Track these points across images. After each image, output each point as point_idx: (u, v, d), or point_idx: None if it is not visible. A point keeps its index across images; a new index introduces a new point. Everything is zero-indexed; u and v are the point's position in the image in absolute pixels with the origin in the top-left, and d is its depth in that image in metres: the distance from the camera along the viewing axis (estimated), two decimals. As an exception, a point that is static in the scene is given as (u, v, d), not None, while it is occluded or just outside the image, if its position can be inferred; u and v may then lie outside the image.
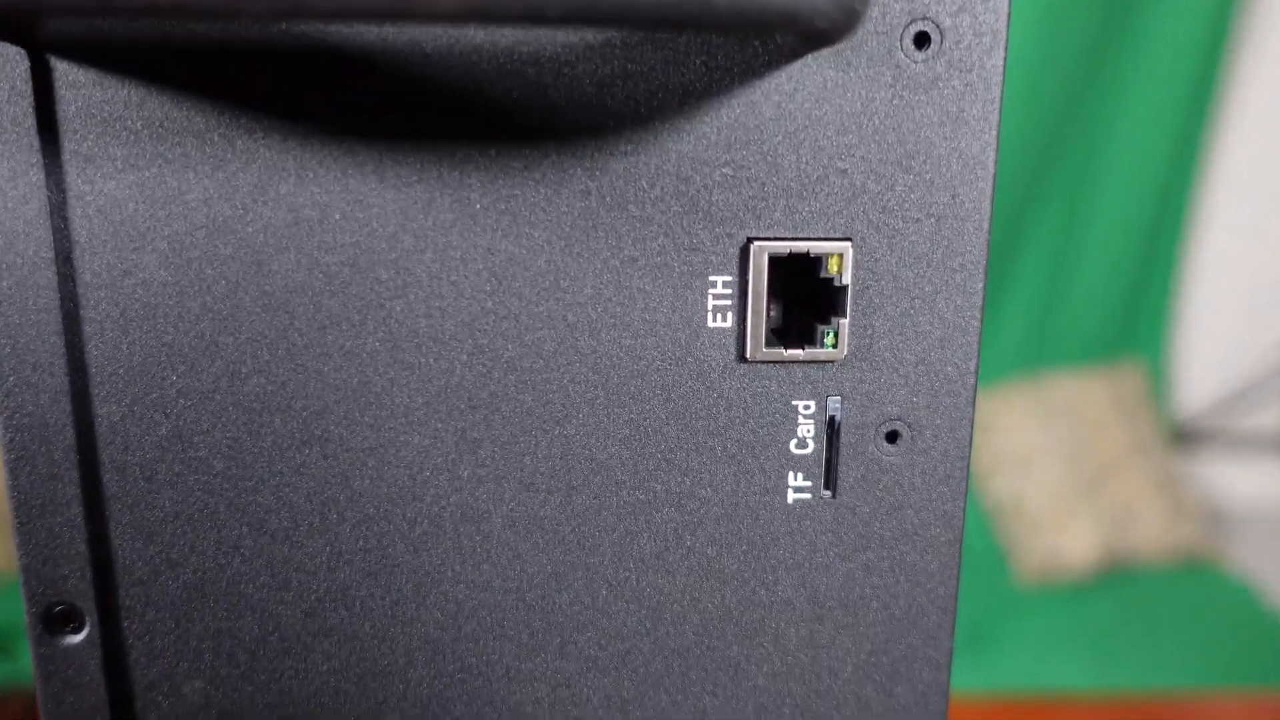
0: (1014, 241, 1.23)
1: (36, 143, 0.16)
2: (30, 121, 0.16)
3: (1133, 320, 1.33)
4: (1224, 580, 1.17)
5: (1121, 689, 0.93)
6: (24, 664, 0.82)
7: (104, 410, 0.17)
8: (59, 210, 0.16)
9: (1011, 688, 0.93)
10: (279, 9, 0.12)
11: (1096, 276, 1.28)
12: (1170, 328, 1.39)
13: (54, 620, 0.17)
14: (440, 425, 0.17)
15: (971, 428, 0.17)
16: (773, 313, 0.17)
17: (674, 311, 0.17)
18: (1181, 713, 0.75)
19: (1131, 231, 1.27)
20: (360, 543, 0.17)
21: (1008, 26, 0.16)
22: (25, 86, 0.15)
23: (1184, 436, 1.43)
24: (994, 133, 0.16)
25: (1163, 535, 1.18)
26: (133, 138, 0.16)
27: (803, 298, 0.17)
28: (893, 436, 0.17)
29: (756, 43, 0.16)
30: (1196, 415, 1.44)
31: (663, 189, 0.16)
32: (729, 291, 0.17)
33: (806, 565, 0.18)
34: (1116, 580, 1.14)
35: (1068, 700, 0.89)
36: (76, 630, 0.17)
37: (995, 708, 0.84)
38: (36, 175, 0.16)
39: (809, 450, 0.17)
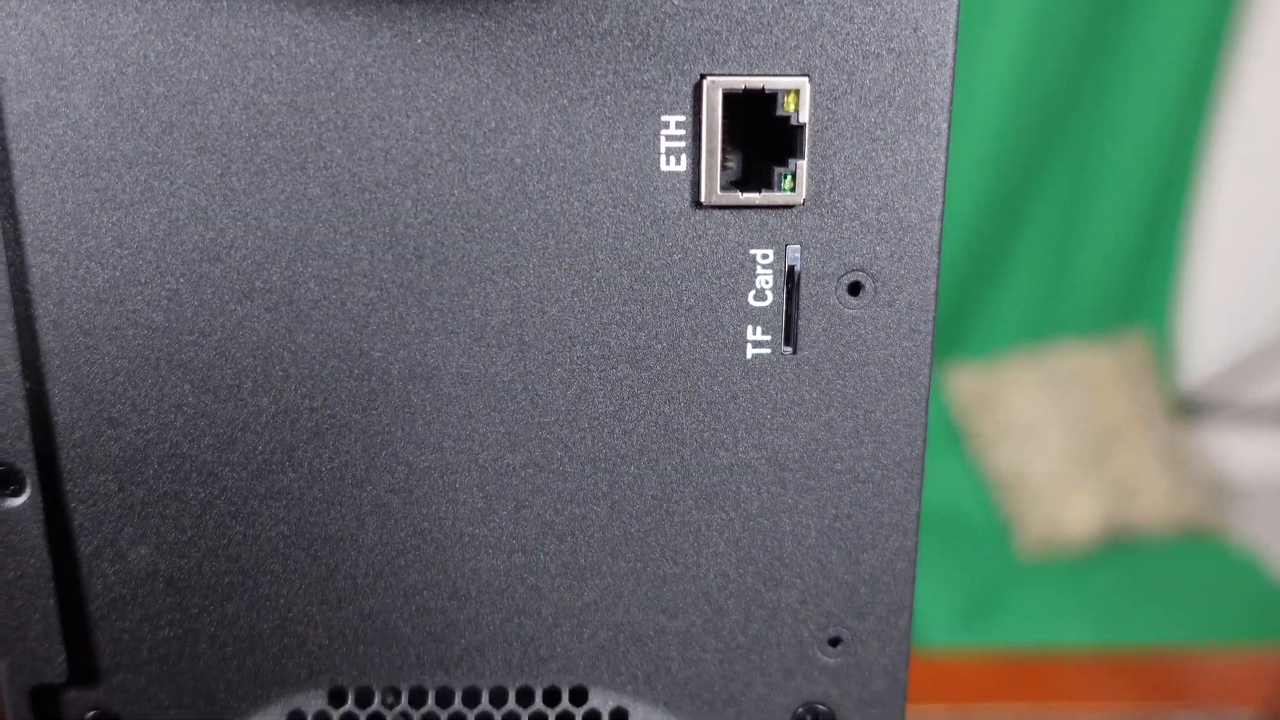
0: (1018, 211, 1.22)
1: None
2: None
3: (1138, 290, 1.32)
4: (1227, 551, 1.16)
5: (1123, 644, 0.93)
6: None
7: (37, 260, 0.16)
8: None
9: (1014, 646, 0.93)
10: None
11: (1101, 246, 1.27)
12: (1176, 298, 1.38)
13: None
14: (385, 276, 0.16)
15: (937, 279, 0.17)
16: (730, 163, 0.16)
17: (625, 154, 0.16)
18: (1183, 669, 0.74)
19: (1136, 201, 1.26)
20: (306, 400, 0.17)
21: None
22: None
23: (1189, 407, 1.42)
24: None
25: (1166, 506, 1.17)
26: None
27: (760, 144, 0.16)
28: (855, 288, 0.17)
29: None
30: (1201, 385, 1.43)
31: (611, 22, 0.16)
32: (682, 132, 0.16)
33: (767, 424, 0.17)
34: (1120, 551, 1.13)
35: (1070, 660, 0.89)
36: (16, 493, 0.17)
37: (997, 666, 0.84)
38: None
39: (768, 302, 0.17)
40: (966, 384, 1.23)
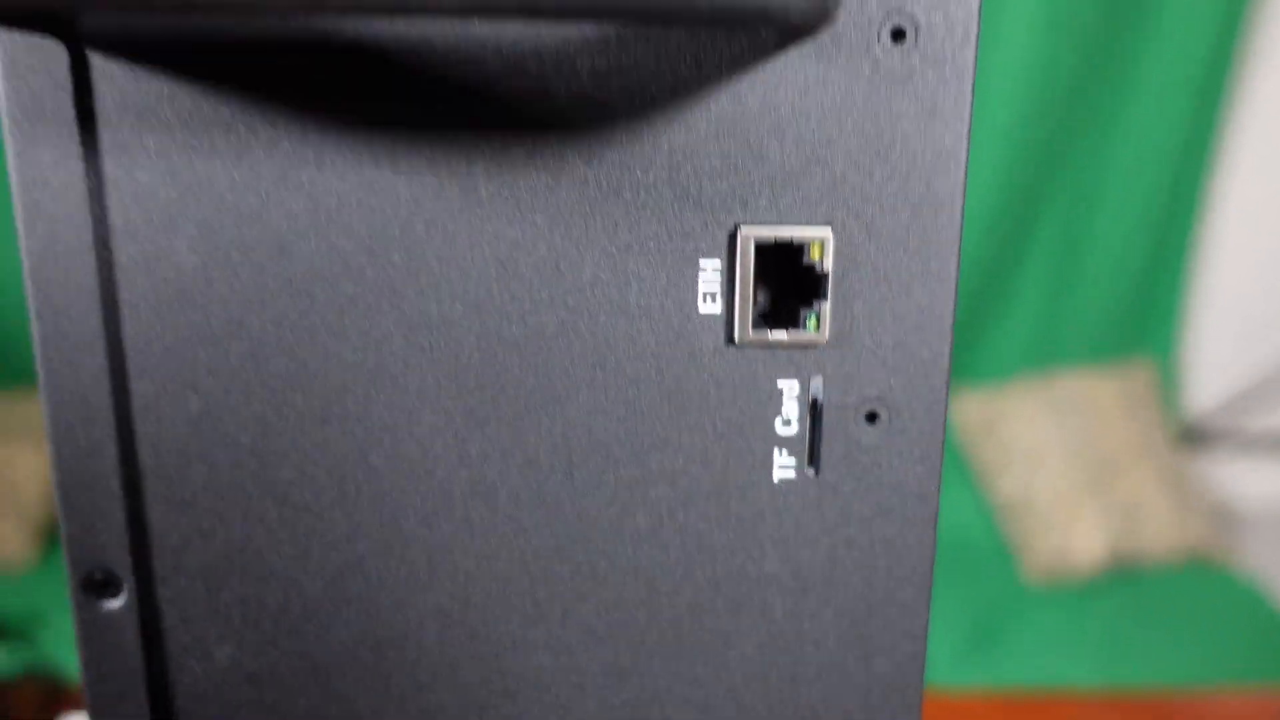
0: (1023, 238, 1.23)
1: (76, 133, 0.17)
2: (70, 113, 0.17)
3: (1142, 318, 1.33)
4: (1233, 580, 1.17)
5: (1128, 684, 0.94)
6: (42, 652, 0.84)
7: (139, 387, 0.18)
8: (97, 197, 0.17)
9: (1019, 685, 0.93)
10: (298, 4, 0.13)
11: (1106, 274, 1.28)
12: (1180, 326, 1.39)
13: (93, 586, 0.19)
14: (450, 403, 0.18)
15: (946, 409, 0.18)
16: (760, 298, 0.18)
17: (666, 295, 0.18)
18: (1188, 709, 0.75)
19: (1141, 229, 1.27)
20: (376, 516, 0.19)
21: (979, 22, 0.17)
22: (65, 80, 0.17)
23: (1194, 435, 1.43)
24: (966, 124, 0.17)
25: (1171, 534, 1.18)
26: (165, 128, 0.17)
27: (788, 283, 0.18)
28: (872, 417, 0.18)
29: (741, 38, 0.17)
30: (1206, 414, 1.44)
31: (655, 177, 0.17)
32: (718, 277, 0.18)
33: (791, 540, 0.19)
34: (1124, 579, 1.13)
35: (1075, 697, 0.90)
36: (114, 596, 0.19)
37: (1002, 704, 0.85)
38: (75, 164, 0.17)
39: (793, 430, 0.18)
40: (971, 411, 1.24)
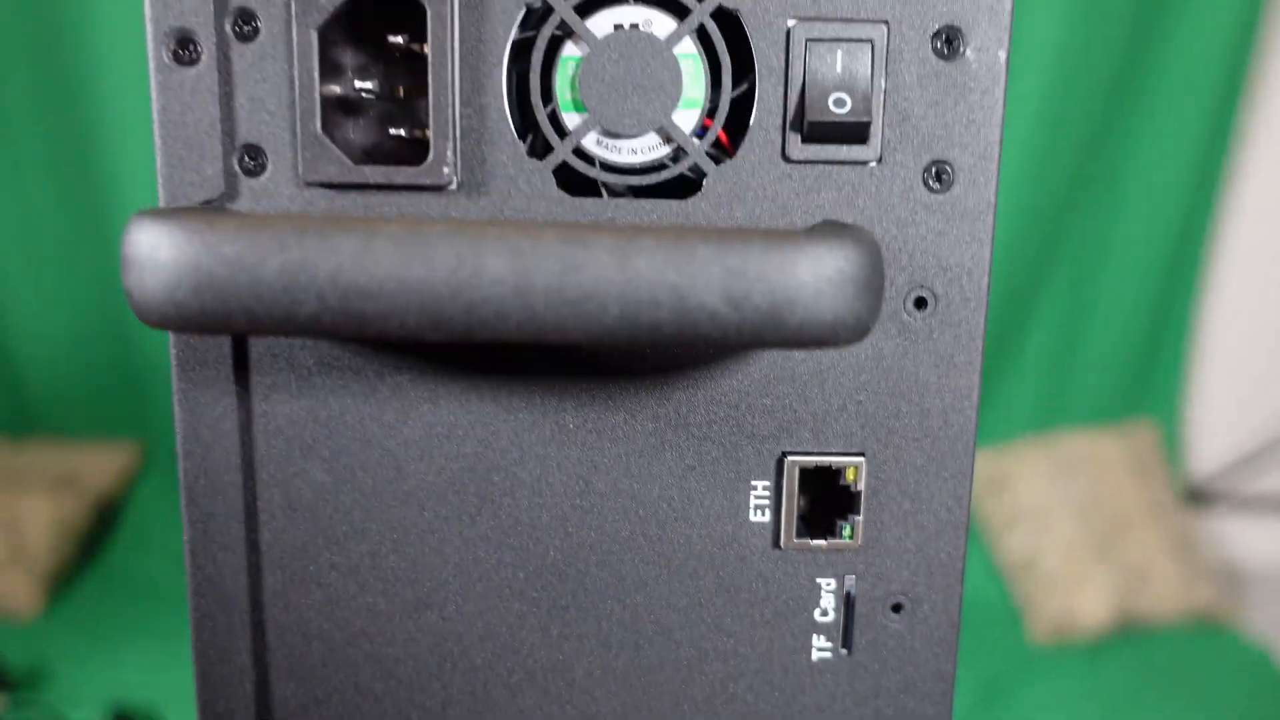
0: (1027, 300, 1.26)
1: (232, 378, 0.20)
2: (228, 361, 0.20)
3: (1146, 379, 1.35)
4: (1240, 643, 1.17)
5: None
6: (55, 711, 0.87)
7: (271, 580, 0.21)
8: (245, 427, 0.21)
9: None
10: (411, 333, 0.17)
11: (1109, 335, 1.30)
12: (1183, 387, 1.41)
13: None
14: (535, 595, 0.21)
15: (960, 602, 0.21)
16: (802, 503, 0.21)
17: (723, 508, 0.21)
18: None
19: (1144, 290, 1.29)
20: (469, 688, 0.22)
21: (988, 295, 0.20)
22: (226, 341, 0.20)
23: (1198, 496, 1.45)
24: (977, 372, 0.21)
25: (1177, 596, 1.19)
26: (305, 372, 0.20)
27: (827, 498, 0.21)
28: (897, 608, 0.21)
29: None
30: (1211, 475, 1.46)
31: (715, 414, 0.21)
32: (767, 493, 0.21)
33: (828, 711, 0.22)
34: (1131, 641, 1.14)
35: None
36: None
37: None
38: (230, 400, 0.21)
39: (830, 618, 0.21)
40: (977, 470, 1.26)
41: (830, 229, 0.17)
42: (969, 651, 1.13)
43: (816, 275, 0.16)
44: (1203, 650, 1.16)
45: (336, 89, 0.19)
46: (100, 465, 1.26)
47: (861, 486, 0.21)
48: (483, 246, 0.16)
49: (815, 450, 0.21)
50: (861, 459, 0.21)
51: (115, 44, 1.12)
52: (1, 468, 1.22)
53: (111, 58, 1.12)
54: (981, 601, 1.19)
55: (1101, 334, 1.30)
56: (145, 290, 0.16)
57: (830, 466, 0.21)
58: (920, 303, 0.20)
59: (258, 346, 0.20)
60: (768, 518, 0.21)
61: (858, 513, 0.21)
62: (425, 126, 0.19)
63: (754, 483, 0.21)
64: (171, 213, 0.17)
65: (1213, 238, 1.35)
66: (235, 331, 0.17)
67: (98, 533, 1.25)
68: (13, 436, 1.25)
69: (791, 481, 0.21)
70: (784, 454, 0.21)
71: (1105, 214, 1.25)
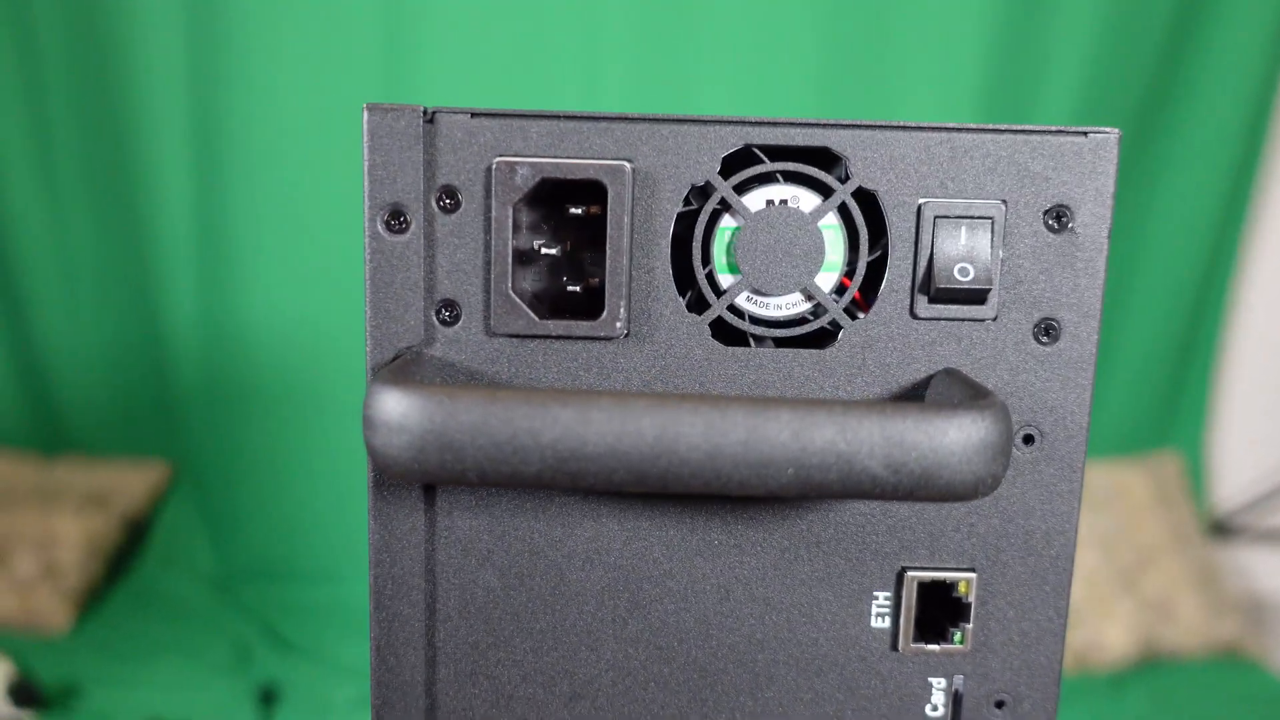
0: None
1: (421, 495, 0.23)
2: (417, 486, 0.23)
3: (1170, 411, 1.36)
4: (1264, 676, 1.18)
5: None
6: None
7: (444, 673, 0.24)
8: (429, 539, 0.23)
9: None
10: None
11: (1134, 367, 1.32)
12: (1208, 419, 1.43)
13: None
14: (679, 688, 0.24)
15: (1056, 700, 0.24)
16: (918, 610, 0.24)
17: (848, 615, 0.24)
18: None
19: (1169, 323, 1.31)
20: None
21: (1088, 431, 0.23)
22: None
23: (1222, 529, 1.45)
24: (1077, 499, 0.23)
25: (1201, 628, 1.19)
26: (485, 492, 0.23)
27: (939, 604, 0.24)
28: (1000, 704, 0.24)
29: None
30: (1235, 508, 1.46)
31: (844, 532, 0.24)
32: (888, 603, 0.24)
33: None
34: (1154, 672, 1.15)
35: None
36: None
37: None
38: (419, 516, 0.23)
39: (939, 713, 0.24)
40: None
41: (972, 400, 0.20)
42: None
43: (964, 444, 0.19)
44: (1226, 683, 1.16)
45: (522, 248, 0.22)
46: (130, 483, 1.29)
47: (972, 598, 0.23)
48: (680, 418, 0.19)
49: (931, 565, 0.24)
50: (973, 574, 0.23)
51: (156, 72, 1.15)
52: (34, 485, 1.25)
53: (152, 85, 1.15)
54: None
55: (1126, 366, 1.32)
56: (392, 451, 0.19)
57: (945, 580, 0.23)
58: (1029, 439, 0.23)
59: None
60: (887, 624, 0.24)
61: (968, 621, 0.24)
62: (596, 279, 0.22)
63: (876, 593, 0.24)
64: (410, 381, 0.19)
65: (1237, 271, 1.36)
66: (466, 485, 0.20)
67: (127, 550, 1.27)
68: (45, 454, 1.27)
69: (910, 594, 0.23)
70: (904, 568, 0.24)
71: (1130, 247, 1.27)
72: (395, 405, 0.19)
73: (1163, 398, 1.34)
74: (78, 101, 1.17)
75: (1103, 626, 1.16)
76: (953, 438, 0.19)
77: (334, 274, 1.24)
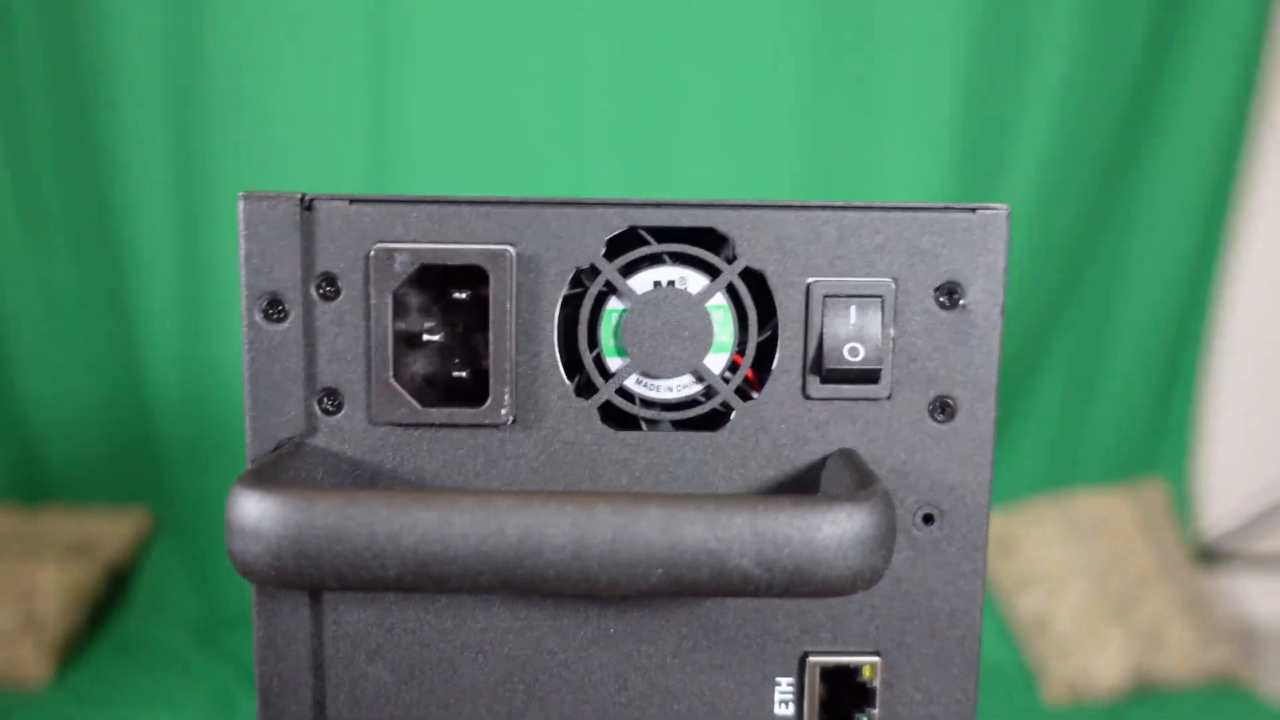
0: (1035, 360, 1.28)
1: (306, 593, 0.23)
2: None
3: (1155, 438, 1.36)
4: (1257, 703, 1.17)
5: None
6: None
7: None
8: (315, 634, 0.23)
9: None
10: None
11: (1117, 395, 1.32)
12: (1192, 446, 1.42)
13: None
14: None
15: None
16: (823, 693, 0.23)
17: (750, 702, 0.23)
18: None
19: (1152, 349, 1.31)
20: None
21: (989, 509, 0.23)
22: None
23: (1210, 555, 1.45)
24: (981, 578, 0.23)
25: (1193, 657, 1.18)
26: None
27: (844, 689, 0.23)
28: None
29: None
30: (1222, 534, 1.46)
31: (743, 618, 0.23)
32: (791, 689, 0.23)
33: None
34: (1147, 702, 1.14)
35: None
36: None
37: None
38: (304, 612, 0.23)
39: None
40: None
41: (849, 491, 0.19)
42: (983, 713, 1.13)
43: (839, 539, 0.18)
44: (1220, 711, 1.15)
45: (405, 332, 0.22)
46: (113, 531, 1.28)
47: (877, 683, 0.23)
48: (544, 519, 0.18)
49: (834, 650, 0.23)
50: (877, 658, 0.23)
51: (138, 110, 1.15)
52: (16, 535, 1.24)
53: (135, 123, 1.16)
54: (994, 663, 1.20)
55: (1109, 394, 1.32)
56: (249, 555, 0.18)
57: (848, 666, 0.23)
58: (928, 519, 0.23)
59: None
60: (791, 710, 0.23)
61: (874, 706, 0.23)
62: (483, 362, 0.22)
63: (778, 680, 0.23)
64: (270, 484, 0.19)
65: (1217, 297, 1.37)
66: (327, 590, 0.20)
67: (109, 599, 1.26)
68: (26, 503, 1.27)
69: (813, 679, 0.23)
70: (805, 654, 0.23)
71: (1110, 276, 1.27)
72: (252, 510, 0.18)
73: (1146, 425, 1.33)
74: (59, 146, 1.18)
75: (1093, 656, 1.15)
76: (826, 533, 0.18)
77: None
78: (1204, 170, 1.24)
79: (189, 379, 1.27)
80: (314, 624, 0.23)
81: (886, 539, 0.19)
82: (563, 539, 0.18)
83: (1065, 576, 1.22)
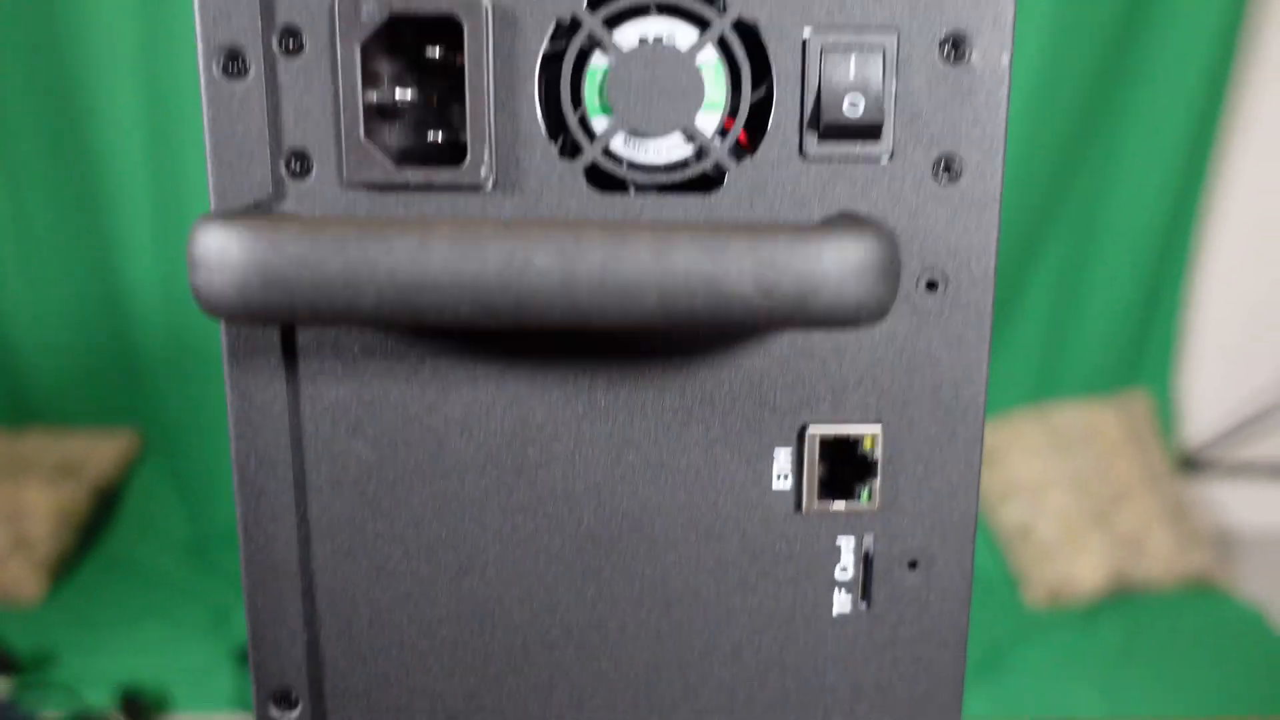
0: (1022, 273, 1.28)
1: (281, 362, 0.22)
2: (277, 349, 0.22)
3: (1139, 351, 1.36)
4: (1233, 606, 1.20)
5: (1132, 715, 0.97)
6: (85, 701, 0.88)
7: (320, 549, 0.23)
8: (294, 409, 0.22)
9: (1021, 714, 0.97)
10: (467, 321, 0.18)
11: (1103, 308, 1.32)
12: (1176, 358, 1.43)
13: (277, 700, 0.23)
14: (571, 558, 0.23)
15: (972, 559, 0.23)
16: (822, 470, 0.23)
17: (748, 476, 0.23)
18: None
19: (1137, 263, 1.31)
20: (507, 644, 0.23)
21: (995, 275, 0.22)
22: (274, 330, 0.21)
23: (1191, 464, 1.47)
24: (986, 347, 0.22)
25: (1172, 561, 1.21)
26: (351, 357, 0.22)
27: (845, 464, 0.23)
28: (913, 565, 0.23)
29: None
30: (1203, 443, 1.48)
31: (741, 389, 0.22)
32: (789, 461, 0.23)
33: (848, 660, 0.24)
34: (1125, 604, 1.17)
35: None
36: (292, 708, 0.23)
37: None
38: (280, 385, 0.22)
39: (850, 575, 0.23)
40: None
41: (850, 221, 0.19)
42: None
43: (840, 264, 0.17)
44: (1196, 612, 1.18)
45: (377, 97, 0.21)
46: (99, 453, 1.27)
47: (878, 454, 0.22)
48: (530, 243, 0.17)
49: (834, 420, 0.22)
50: (878, 428, 0.22)
51: (110, 34, 1.12)
52: (2, 457, 1.23)
53: (105, 47, 1.13)
54: (978, 569, 1.22)
55: (1095, 307, 1.32)
56: (214, 288, 0.17)
57: (848, 437, 0.22)
58: (931, 285, 0.22)
59: (305, 334, 0.22)
60: (789, 484, 0.23)
61: (875, 477, 0.22)
62: (461, 130, 0.21)
63: (776, 451, 0.22)
64: (236, 216, 0.18)
65: (1204, 212, 1.37)
66: (298, 323, 0.19)
67: (98, 520, 1.26)
68: (12, 426, 1.25)
69: (812, 451, 0.22)
70: (804, 425, 0.22)
71: (1097, 190, 1.27)
72: (217, 239, 0.17)
73: (1131, 338, 1.34)
74: (28, 65, 1.14)
75: (1074, 562, 1.17)
76: (830, 258, 0.18)
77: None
78: (1194, 83, 1.22)
79: (171, 298, 1.25)
80: (291, 397, 0.22)
81: (891, 270, 0.18)
82: (549, 261, 0.17)
83: (1048, 486, 1.23)
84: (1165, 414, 1.42)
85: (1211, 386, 1.47)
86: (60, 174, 1.20)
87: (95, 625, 1.12)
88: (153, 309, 1.27)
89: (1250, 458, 1.49)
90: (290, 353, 0.22)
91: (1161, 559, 1.21)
